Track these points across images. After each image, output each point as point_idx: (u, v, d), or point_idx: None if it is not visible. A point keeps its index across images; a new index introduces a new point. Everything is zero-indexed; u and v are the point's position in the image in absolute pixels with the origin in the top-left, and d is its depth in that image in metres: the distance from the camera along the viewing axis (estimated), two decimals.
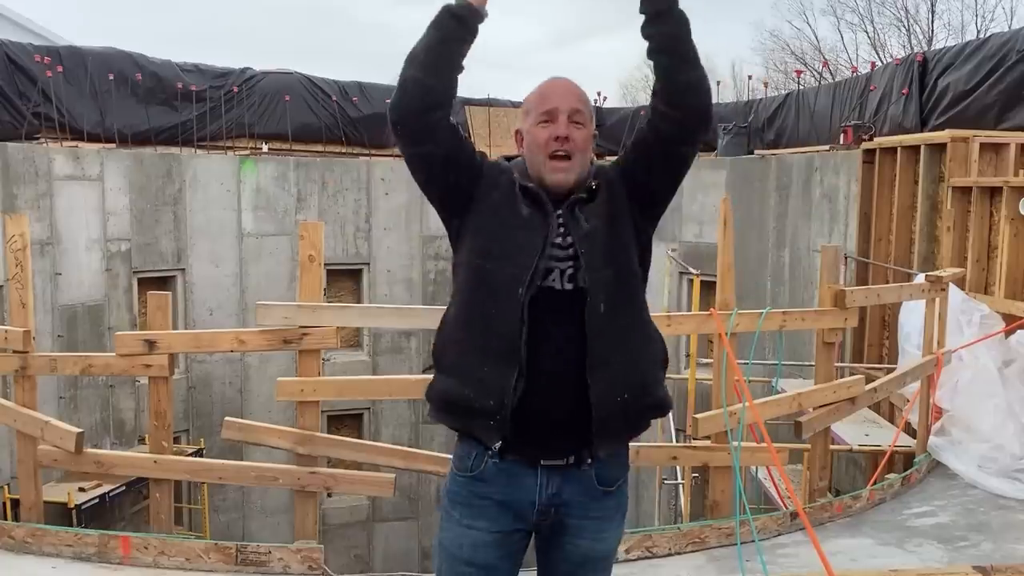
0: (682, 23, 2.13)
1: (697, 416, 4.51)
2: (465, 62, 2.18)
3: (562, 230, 2.14)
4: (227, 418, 4.37)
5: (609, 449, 2.17)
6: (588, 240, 2.13)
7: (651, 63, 2.18)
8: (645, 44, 2.16)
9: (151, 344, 4.21)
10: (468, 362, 2.14)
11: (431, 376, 2.28)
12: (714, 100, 2.07)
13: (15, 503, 8.34)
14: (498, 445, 2.11)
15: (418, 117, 2.15)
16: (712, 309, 4.58)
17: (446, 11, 2.12)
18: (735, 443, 4.37)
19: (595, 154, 2.29)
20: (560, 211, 2.15)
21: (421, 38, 2.14)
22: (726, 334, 4.45)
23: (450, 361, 2.20)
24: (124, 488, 9.99)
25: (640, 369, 2.19)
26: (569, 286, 2.12)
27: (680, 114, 2.15)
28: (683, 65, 2.13)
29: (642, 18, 2.14)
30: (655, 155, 2.20)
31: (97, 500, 9.63)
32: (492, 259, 2.14)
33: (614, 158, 2.32)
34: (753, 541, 4.14)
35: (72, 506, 9.19)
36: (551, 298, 2.11)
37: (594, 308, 2.10)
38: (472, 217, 2.20)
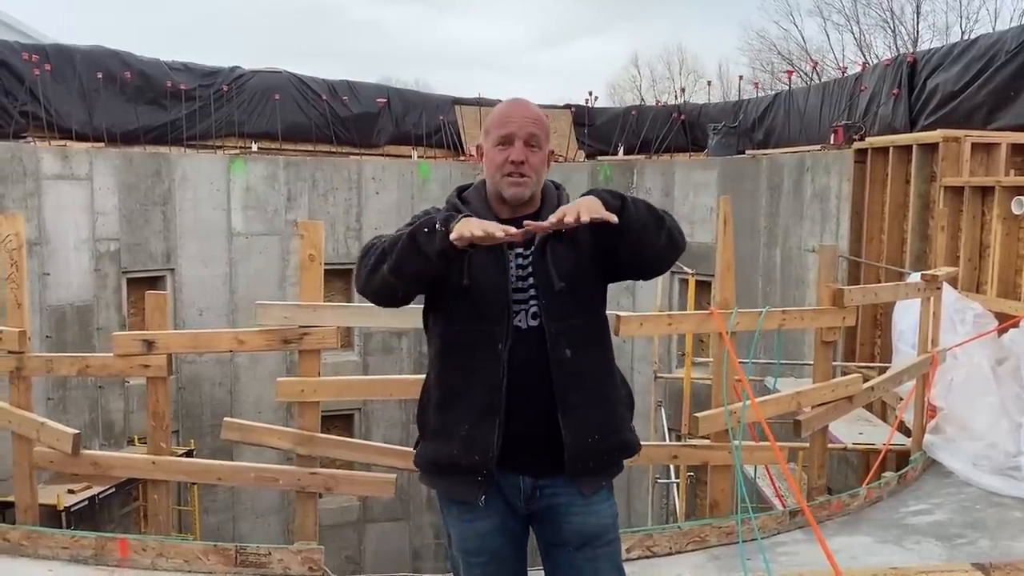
0: (643, 228, 2.14)
1: (698, 415, 4.51)
2: None
3: (521, 266, 2.24)
4: (226, 419, 4.33)
5: (589, 487, 2.27)
6: (551, 290, 2.20)
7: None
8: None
9: (150, 344, 4.17)
10: (452, 421, 2.24)
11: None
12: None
13: (4, 505, 8.25)
14: (483, 499, 2.23)
15: (395, 305, 2.33)
16: (712, 308, 4.59)
17: (436, 247, 2.09)
18: (736, 442, 4.37)
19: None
20: (531, 250, 2.23)
21: (401, 248, 2.15)
22: (727, 333, 4.45)
23: (433, 425, 2.30)
24: (114, 490, 9.90)
25: (608, 411, 2.30)
26: (534, 323, 2.23)
27: (641, 270, 2.31)
28: (654, 257, 2.26)
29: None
30: (617, 260, 2.27)
31: (87, 502, 9.53)
32: (464, 321, 2.23)
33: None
34: (755, 540, 4.15)
35: (61, 508, 9.10)
36: (519, 338, 2.21)
37: (559, 353, 2.20)
38: (440, 289, 2.25)
